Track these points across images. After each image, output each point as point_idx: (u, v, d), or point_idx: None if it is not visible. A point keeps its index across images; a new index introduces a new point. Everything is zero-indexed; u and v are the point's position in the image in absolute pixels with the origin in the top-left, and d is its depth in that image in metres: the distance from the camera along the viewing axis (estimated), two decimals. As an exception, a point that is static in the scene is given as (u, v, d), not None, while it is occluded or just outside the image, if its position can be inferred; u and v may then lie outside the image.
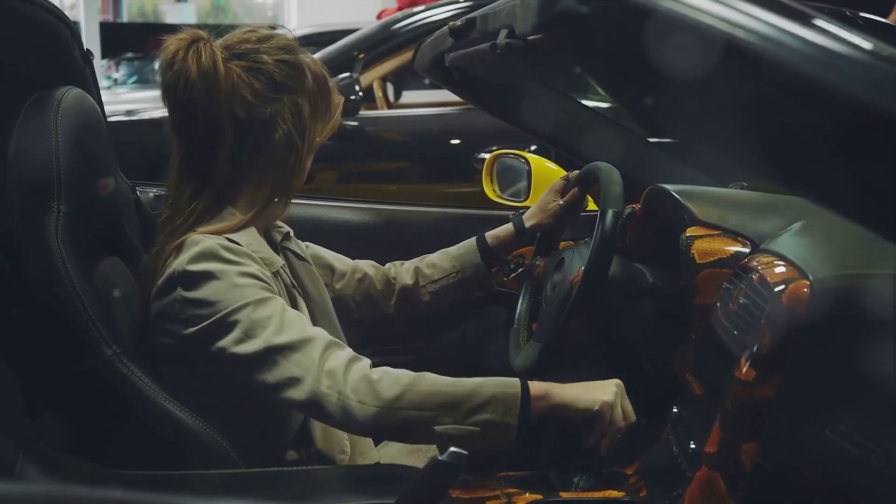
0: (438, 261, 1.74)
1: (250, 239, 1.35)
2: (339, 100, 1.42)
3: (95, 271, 1.41)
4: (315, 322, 1.47)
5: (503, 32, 1.33)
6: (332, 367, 1.20)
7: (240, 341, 1.22)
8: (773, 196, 1.57)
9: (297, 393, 1.20)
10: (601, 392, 1.26)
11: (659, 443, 1.35)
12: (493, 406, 1.19)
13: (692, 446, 1.21)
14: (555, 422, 1.25)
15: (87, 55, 1.60)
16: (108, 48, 10.57)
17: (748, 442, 1.11)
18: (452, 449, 1.15)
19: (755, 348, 1.13)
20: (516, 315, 1.69)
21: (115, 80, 10.41)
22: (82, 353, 1.29)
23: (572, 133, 1.97)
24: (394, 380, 1.20)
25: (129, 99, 6.35)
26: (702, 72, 0.69)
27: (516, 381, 1.22)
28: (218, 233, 1.32)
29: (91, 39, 9.86)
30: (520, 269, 1.82)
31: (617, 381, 1.28)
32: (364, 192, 3.48)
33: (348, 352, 1.24)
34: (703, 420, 1.22)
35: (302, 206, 2.04)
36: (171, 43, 1.32)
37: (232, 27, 1.41)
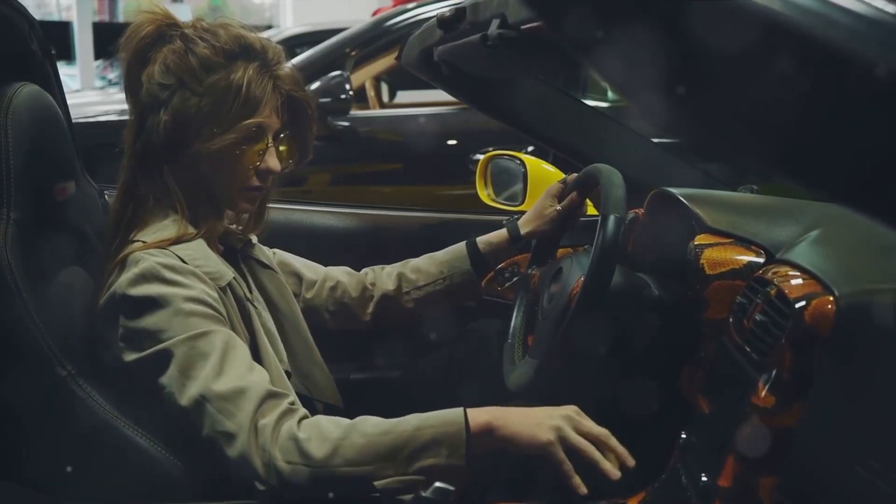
0: (424, 266, 1.64)
1: (196, 252, 1.27)
2: (260, 122, 1.29)
3: (52, 283, 1.33)
4: (284, 334, 1.41)
5: (495, 22, 1.25)
6: (263, 425, 1.13)
7: (176, 380, 1.16)
8: (787, 200, 1.49)
9: (229, 450, 1.13)
10: (544, 430, 1.12)
11: (666, 472, 1.24)
12: (435, 449, 1.11)
13: (703, 479, 1.11)
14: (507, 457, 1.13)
15: (48, 49, 1.50)
16: (103, 48, 10.52)
17: (766, 476, 1.02)
18: (438, 484, 1.07)
19: (774, 371, 1.03)
20: (511, 329, 1.61)
21: (110, 81, 10.36)
22: (33, 374, 1.21)
23: (570, 133, 1.88)
24: (322, 436, 1.12)
25: (123, 99, 6.27)
26: (719, 53, 0.58)
27: (459, 414, 1.12)
28: (160, 244, 1.25)
29: (84, 40, 9.82)
30: (514, 279, 1.72)
31: (567, 412, 1.15)
32: (355, 194, 3.43)
33: (284, 405, 1.16)
34: (715, 449, 1.12)
35: (283, 212, 1.95)
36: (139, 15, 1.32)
37: None
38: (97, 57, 10.58)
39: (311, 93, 3.65)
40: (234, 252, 1.41)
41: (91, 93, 6.76)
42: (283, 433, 1.12)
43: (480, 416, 1.13)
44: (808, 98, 0.58)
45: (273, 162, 1.31)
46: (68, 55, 9.92)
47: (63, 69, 9.66)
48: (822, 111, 0.58)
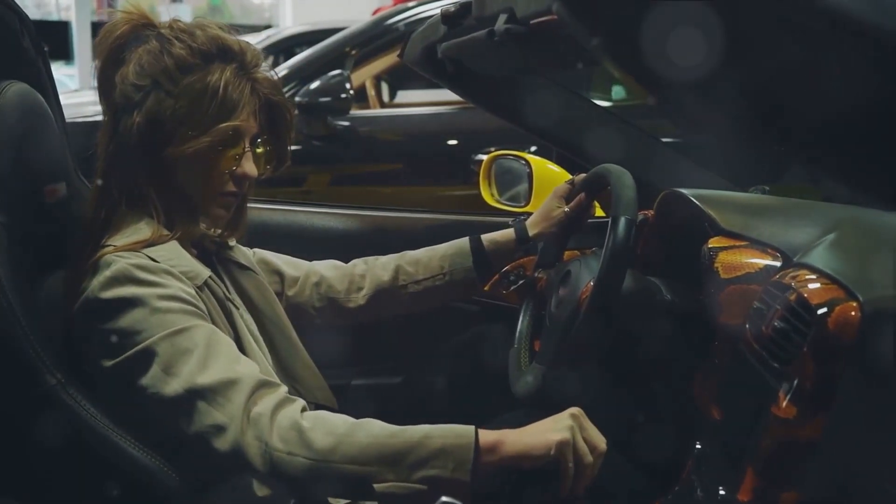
0: (424, 259, 1.60)
1: (170, 253, 1.24)
2: (236, 125, 1.25)
3: (42, 288, 1.30)
4: (266, 335, 1.37)
5: (502, 17, 1.22)
6: (258, 414, 1.10)
7: (159, 379, 1.13)
8: (802, 202, 1.45)
9: (220, 442, 1.10)
10: (554, 431, 1.11)
11: (680, 484, 1.20)
12: (441, 460, 1.07)
13: (721, 492, 1.07)
14: (513, 472, 1.11)
15: (41, 47, 1.46)
16: (102, 48, 10.49)
17: (788, 491, 0.99)
18: (444, 499, 1.03)
19: (796, 381, 0.99)
20: (517, 334, 1.57)
21: (108, 80, 10.34)
22: (22, 383, 1.17)
23: (577, 132, 1.85)
24: (327, 429, 1.09)
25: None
26: (746, 38, 0.54)
27: (470, 430, 1.10)
28: (132, 247, 1.21)
29: (83, 39, 9.79)
30: (520, 282, 1.67)
31: (573, 410, 1.14)
32: (355, 195, 3.40)
33: (278, 393, 1.14)
34: (732, 460, 1.09)
35: (283, 213, 1.91)
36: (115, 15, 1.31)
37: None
38: (95, 56, 10.58)
39: (310, 92, 3.64)
40: (209, 254, 1.37)
41: (89, 92, 6.72)
42: (284, 421, 1.09)
43: (491, 434, 1.10)
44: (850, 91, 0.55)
45: (250, 167, 1.28)
46: (67, 55, 9.88)
47: (62, 69, 9.64)
48: (844, 97, 0.54)
